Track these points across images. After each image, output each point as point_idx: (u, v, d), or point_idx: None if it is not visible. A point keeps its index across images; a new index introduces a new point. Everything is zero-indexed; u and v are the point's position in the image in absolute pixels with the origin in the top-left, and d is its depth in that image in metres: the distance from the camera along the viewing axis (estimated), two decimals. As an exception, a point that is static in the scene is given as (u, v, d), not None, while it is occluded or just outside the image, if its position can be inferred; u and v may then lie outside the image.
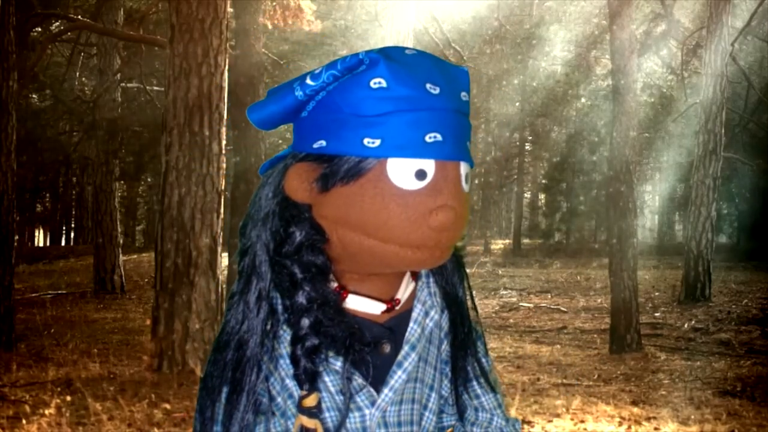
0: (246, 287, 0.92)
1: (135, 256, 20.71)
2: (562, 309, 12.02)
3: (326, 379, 0.90)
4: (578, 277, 17.08)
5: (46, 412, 4.69)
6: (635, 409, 5.34)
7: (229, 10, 7.11)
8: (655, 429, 4.83)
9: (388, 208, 0.85)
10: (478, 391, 1.07)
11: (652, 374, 6.88)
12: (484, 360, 1.07)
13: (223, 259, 6.94)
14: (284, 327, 0.91)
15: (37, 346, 7.65)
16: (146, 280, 15.69)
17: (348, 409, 0.91)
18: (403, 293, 0.98)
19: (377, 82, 0.84)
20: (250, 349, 0.89)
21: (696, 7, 15.93)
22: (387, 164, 0.84)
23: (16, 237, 8.84)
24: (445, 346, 1.03)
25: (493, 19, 16.43)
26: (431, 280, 1.02)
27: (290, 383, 0.91)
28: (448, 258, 0.92)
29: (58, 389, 5.40)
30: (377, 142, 0.83)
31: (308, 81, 0.87)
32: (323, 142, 0.87)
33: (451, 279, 1.03)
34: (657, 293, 13.50)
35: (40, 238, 34.36)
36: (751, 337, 9.01)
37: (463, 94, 0.90)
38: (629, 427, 4.83)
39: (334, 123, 0.86)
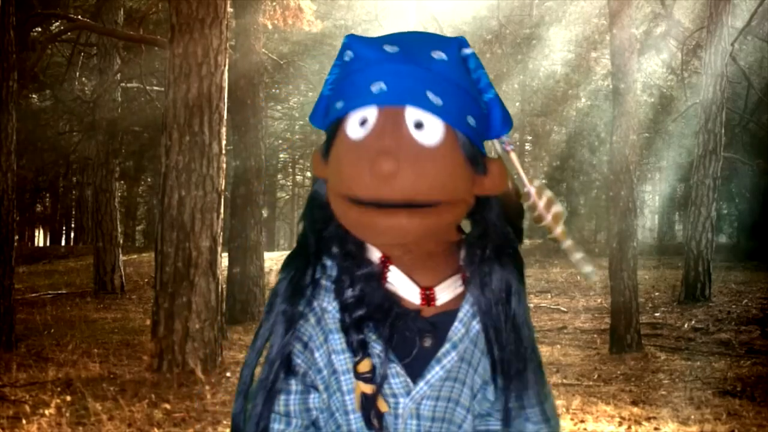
0: (297, 250, 1.01)
1: (135, 256, 20.68)
2: (562, 309, 12.01)
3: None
4: (578, 277, 17.05)
5: (46, 412, 4.69)
6: (635, 409, 5.34)
7: (229, 10, 7.10)
8: (655, 429, 4.83)
9: (341, 161, 0.89)
10: (525, 403, 1.04)
11: (652, 374, 6.88)
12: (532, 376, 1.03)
13: (223, 260, 6.94)
14: (333, 303, 0.96)
15: (37, 346, 7.65)
16: (146, 280, 15.68)
17: (385, 375, 0.94)
18: (444, 290, 0.98)
19: (348, 55, 0.92)
20: (281, 296, 0.98)
21: (696, 7, 15.92)
22: (346, 120, 0.89)
23: (16, 237, 8.83)
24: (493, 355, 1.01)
25: (493, 20, 16.41)
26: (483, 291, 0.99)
27: (336, 358, 0.95)
28: (411, 232, 0.87)
29: (58, 389, 5.40)
30: (341, 103, 0.90)
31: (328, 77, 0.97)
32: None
33: (499, 294, 0.99)
34: (657, 293, 13.49)
35: (40, 239, 34.33)
36: (751, 337, 9.00)
37: (437, 53, 0.91)
38: (629, 427, 4.83)
39: (331, 100, 0.95)
